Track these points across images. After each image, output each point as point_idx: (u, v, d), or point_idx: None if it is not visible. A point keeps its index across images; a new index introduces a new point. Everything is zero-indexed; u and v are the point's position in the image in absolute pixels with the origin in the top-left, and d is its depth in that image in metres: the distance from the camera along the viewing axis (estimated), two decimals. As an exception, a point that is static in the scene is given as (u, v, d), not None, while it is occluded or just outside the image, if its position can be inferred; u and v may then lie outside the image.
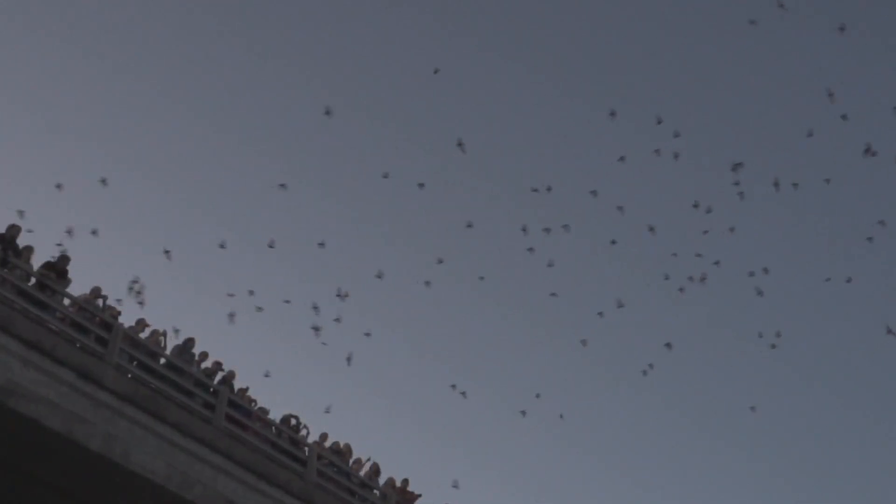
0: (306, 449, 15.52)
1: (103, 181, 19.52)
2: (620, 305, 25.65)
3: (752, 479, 49.99)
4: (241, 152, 44.89)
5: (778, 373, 49.61)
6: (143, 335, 14.22)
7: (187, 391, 13.77)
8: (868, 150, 22.99)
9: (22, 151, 42.53)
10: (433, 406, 52.30)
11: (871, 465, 50.22)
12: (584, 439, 51.35)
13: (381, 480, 16.99)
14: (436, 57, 47.48)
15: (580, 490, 52.16)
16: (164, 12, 42.01)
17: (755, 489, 49.42)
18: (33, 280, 13.05)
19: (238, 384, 15.55)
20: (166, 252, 21.05)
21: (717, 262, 25.03)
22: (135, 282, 18.45)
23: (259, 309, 22.29)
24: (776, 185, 24.00)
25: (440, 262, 25.26)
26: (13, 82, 41.44)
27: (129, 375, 13.07)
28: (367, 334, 24.16)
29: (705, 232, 24.87)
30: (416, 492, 17.70)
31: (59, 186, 19.33)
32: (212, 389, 14.31)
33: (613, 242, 27.05)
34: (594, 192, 24.29)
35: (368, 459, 17.05)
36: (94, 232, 18.68)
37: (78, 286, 13.93)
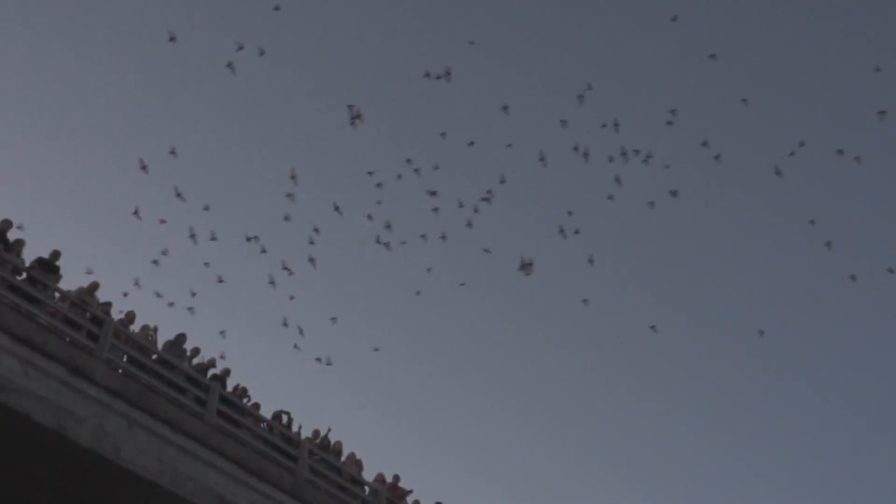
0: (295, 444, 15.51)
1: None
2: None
3: (745, 477, 50.19)
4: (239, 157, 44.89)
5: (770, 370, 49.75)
6: (132, 328, 14.21)
7: (178, 387, 13.74)
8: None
9: (19, 153, 42.47)
10: (429, 406, 52.34)
11: (866, 465, 50.45)
12: (580, 439, 51.51)
13: (371, 476, 16.97)
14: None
15: (577, 490, 52.30)
16: (161, 15, 41.85)
17: (750, 488, 49.61)
18: (24, 275, 13.01)
19: (232, 382, 15.55)
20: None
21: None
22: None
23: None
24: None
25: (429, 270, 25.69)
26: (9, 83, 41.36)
27: (120, 371, 13.04)
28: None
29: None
30: (407, 487, 17.74)
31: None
32: (203, 385, 14.28)
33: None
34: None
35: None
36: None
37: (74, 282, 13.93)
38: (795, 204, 43.51)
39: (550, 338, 51.17)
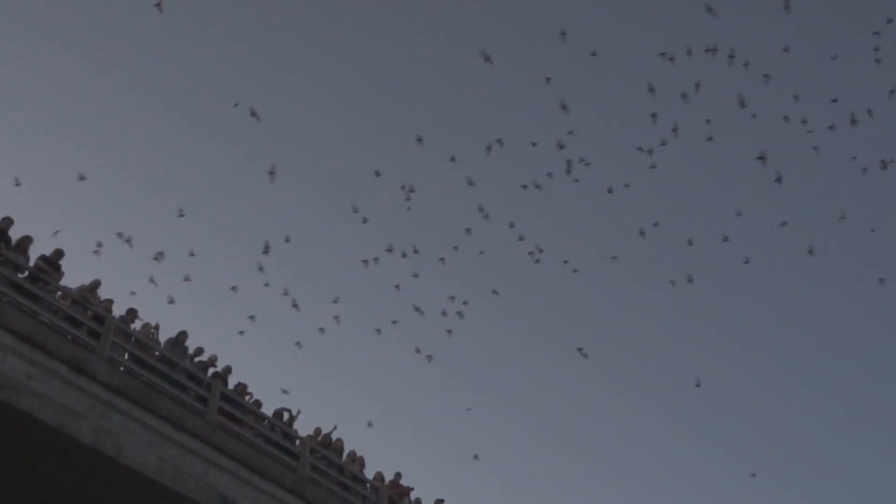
0: (298, 442, 15.49)
1: (81, 177, 21.00)
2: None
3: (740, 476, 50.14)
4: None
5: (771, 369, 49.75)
6: (133, 326, 14.19)
7: (180, 385, 13.73)
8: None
9: (12, 148, 42.44)
10: (429, 404, 52.35)
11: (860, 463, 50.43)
12: (580, 438, 51.51)
13: (371, 474, 16.93)
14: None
15: (577, 489, 52.31)
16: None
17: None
18: (26, 272, 12.99)
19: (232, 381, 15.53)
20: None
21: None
22: None
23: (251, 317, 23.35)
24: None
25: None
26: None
27: (122, 368, 13.03)
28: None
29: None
30: (408, 485, 17.73)
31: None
32: (205, 383, 14.27)
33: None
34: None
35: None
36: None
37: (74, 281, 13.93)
38: (796, 204, 43.48)
39: (550, 336, 51.20)
